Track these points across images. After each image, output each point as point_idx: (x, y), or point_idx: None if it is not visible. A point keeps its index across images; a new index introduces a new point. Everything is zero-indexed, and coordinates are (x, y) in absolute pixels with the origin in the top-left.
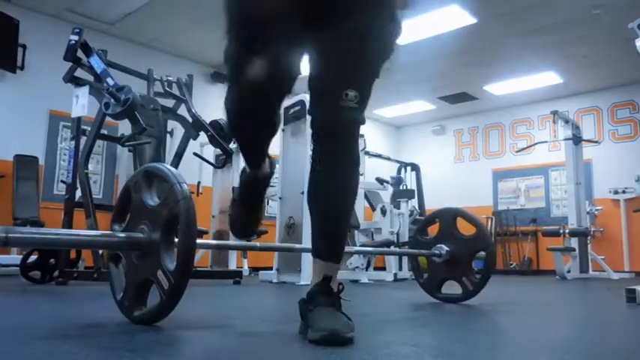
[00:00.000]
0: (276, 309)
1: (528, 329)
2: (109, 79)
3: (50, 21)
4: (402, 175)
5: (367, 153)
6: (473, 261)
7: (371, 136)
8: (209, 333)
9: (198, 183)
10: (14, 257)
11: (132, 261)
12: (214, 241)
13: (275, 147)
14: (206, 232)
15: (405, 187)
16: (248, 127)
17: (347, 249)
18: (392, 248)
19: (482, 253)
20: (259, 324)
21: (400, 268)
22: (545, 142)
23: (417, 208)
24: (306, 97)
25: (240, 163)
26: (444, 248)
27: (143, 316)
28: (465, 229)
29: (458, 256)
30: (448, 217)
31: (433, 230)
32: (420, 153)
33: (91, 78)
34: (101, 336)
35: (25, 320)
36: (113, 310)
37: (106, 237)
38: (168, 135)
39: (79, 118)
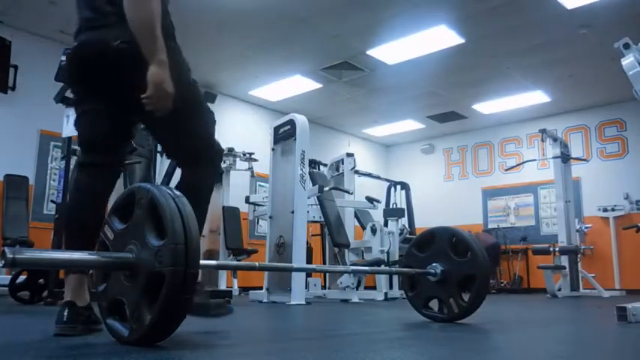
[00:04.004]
0: (267, 329)
1: (519, 348)
2: None
3: (42, 42)
4: (392, 193)
5: (357, 172)
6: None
7: (360, 155)
8: (200, 353)
9: None
10: (2, 277)
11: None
12: (214, 262)
13: (265, 166)
14: None
15: (394, 206)
16: None
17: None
18: (382, 267)
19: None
20: (250, 344)
21: (391, 287)
22: (534, 160)
23: (406, 226)
24: (296, 117)
25: (229, 182)
26: (439, 268)
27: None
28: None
29: (450, 276)
30: (445, 236)
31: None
32: (410, 172)
33: None
34: (89, 357)
35: (12, 341)
36: (102, 331)
37: (118, 258)
38: (158, 154)
39: (69, 138)
